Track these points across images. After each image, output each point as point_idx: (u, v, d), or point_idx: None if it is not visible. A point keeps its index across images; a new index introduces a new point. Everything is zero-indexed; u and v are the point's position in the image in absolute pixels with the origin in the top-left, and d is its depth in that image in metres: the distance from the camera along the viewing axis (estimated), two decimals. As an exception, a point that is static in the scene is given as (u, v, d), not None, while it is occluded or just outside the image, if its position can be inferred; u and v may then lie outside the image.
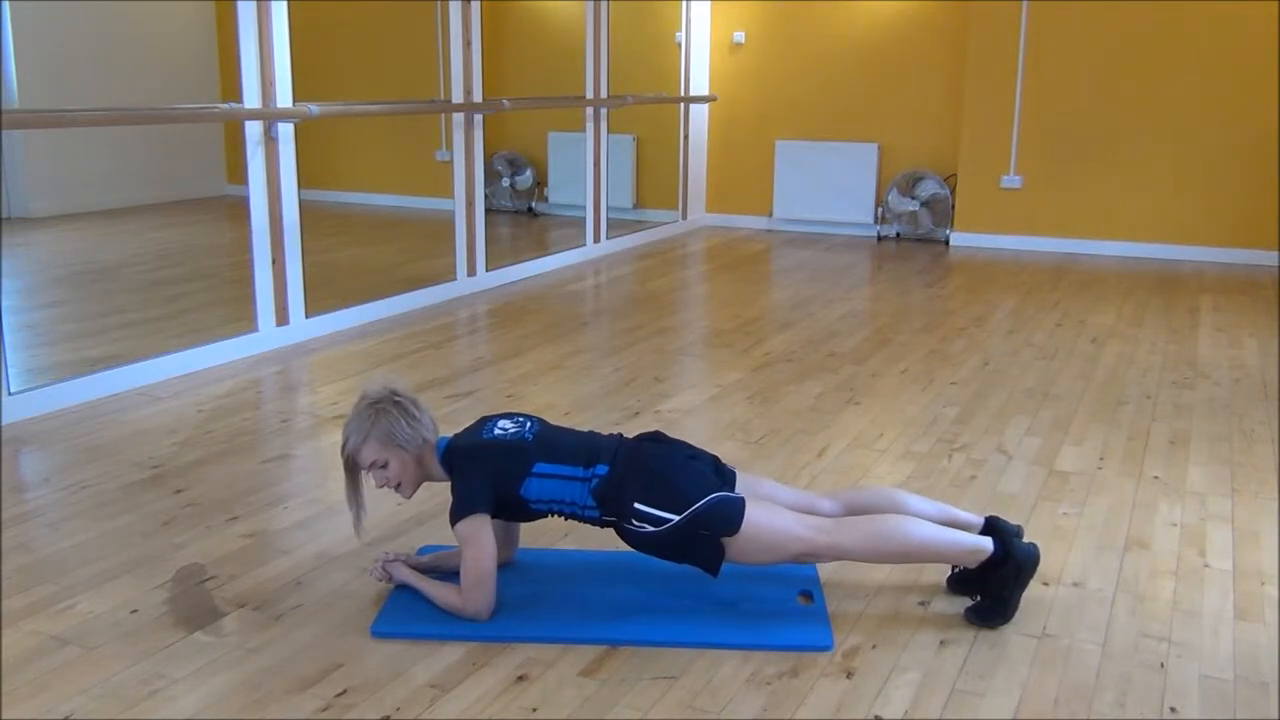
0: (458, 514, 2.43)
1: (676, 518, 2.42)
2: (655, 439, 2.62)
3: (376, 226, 8.12)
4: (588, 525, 2.61)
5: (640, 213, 8.34)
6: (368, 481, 2.59)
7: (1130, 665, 2.33)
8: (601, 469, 2.49)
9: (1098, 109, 7.42)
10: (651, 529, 2.44)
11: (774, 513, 2.48)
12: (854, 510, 2.61)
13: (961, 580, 2.61)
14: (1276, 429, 3.88)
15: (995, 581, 2.48)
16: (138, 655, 2.33)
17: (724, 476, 2.57)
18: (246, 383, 4.38)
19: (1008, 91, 7.61)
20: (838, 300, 5.97)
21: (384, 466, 2.52)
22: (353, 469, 2.56)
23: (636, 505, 2.44)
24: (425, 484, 2.63)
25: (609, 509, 2.48)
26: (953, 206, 7.94)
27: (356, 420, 2.52)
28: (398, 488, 2.56)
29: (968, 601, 2.55)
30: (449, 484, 2.53)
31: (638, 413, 3.99)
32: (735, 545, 2.45)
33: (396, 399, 2.52)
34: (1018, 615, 2.50)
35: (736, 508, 2.44)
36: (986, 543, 2.50)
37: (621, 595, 2.58)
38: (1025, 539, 2.57)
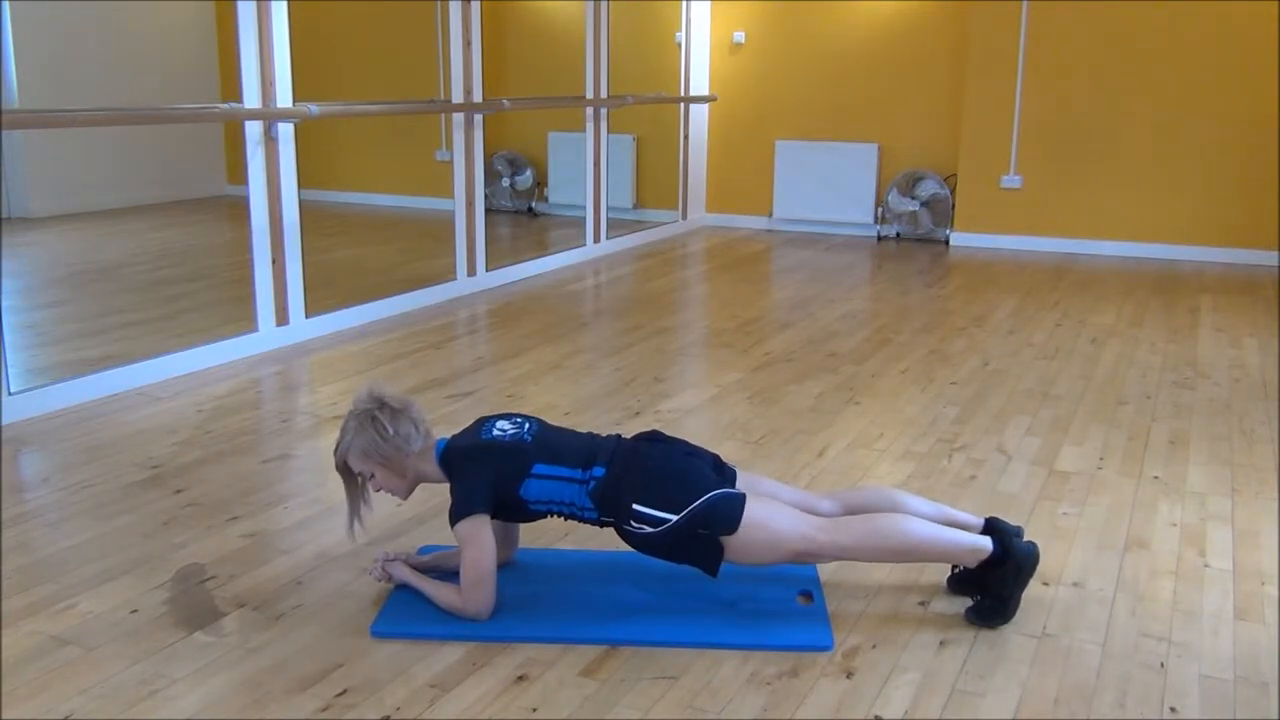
0: (457, 514, 2.44)
1: (675, 518, 2.42)
2: (652, 438, 2.62)
3: (376, 226, 8.12)
4: (587, 526, 2.61)
5: (640, 213, 8.34)
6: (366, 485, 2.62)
7: (1130, 665, 2.33)
8: (599, 470, 2.49)
9: (1098, 109, 7.42)
10: (650, 530, 2.43)
11: (773, 509, 2.47)
12: (853, 510, 2.61)
13: (961, 580, 2.61)
14: (1276, 429, 3.88)
15: (995, 581, 2.48)
16: (138, 655, 2.33)
17: (724, 475, 2.57)
18: (246, 383, 4.38)
19: (1008, 91, 7.61)
20: (838, 300, 5.97)
21: (372, 476, 2.55)
22: (345, 474, 2.59)
23: (634, 506, 2.43)
24: (425, 484, 2.64)
25: (607, 510, 2.48)
26: (953, 206, 7.94)
27: (342, 432, 2.55)
28: (393, 492, 2.59)
29: (968, 601, 2.55)
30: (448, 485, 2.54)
31: (638, 413, 3.99)
32: (734, 544, 2.44)
33: (376, 414, 2.52)
34: (1018, 615, 2.49)
35: (736, 505, 2.43)
36: (986, 542, 2.49)
37: (621, 595, 2.58)
38: (1025, 539, 2.56)
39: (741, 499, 2.45)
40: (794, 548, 2.44)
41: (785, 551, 2.45)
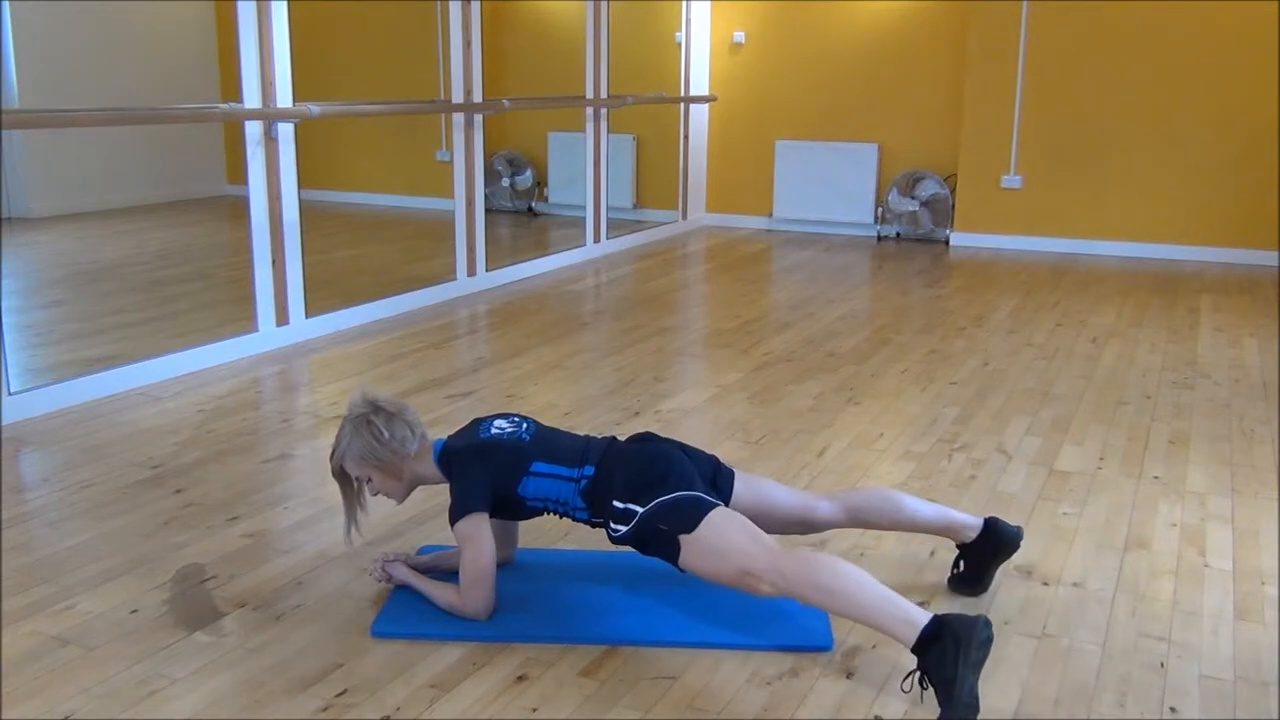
0: (456, 514, 2.44)
1: (641, 510, 2.38)
2: (643, 439, 2.61)
3: (376, 226, 8.12)
4: (584, 526, 2.61)
5: (640, 213, 8.34)
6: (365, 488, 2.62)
7: (1130, 665, 2.33)
8: (589, 469, 2.48)
9: (1098, 109, 7.42)
10: (623, 528, 2.41)
11: (738, 523, 2.34)
12: (852, 511, 2.60)
13: (963, 580, 2.61)
14: (1276, 429, 3.88)
15: (934, 663, 2.07)
16: (138, 655, 2.33)
17: (722, 476, 2.56)
18: (246, 383, 4.38)
19: (1008, 91, 7.61)
20: (838, 300, 5.97)
21: (369, 480, 2.56)
22: (342, 480, 2.60)
23: (614, 503, 2.42)
24: (422, 486, 2.64)
25: (596, 510, 2.47)
26: (953, 206, 7.94)
27: (338, 437, 2.56)
28: (390, 495, 2.60)
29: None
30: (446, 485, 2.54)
31: (638, 413, 3.99)
32: (688, 547, 2.33)
33: (371, 417, 2.52)
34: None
35: (701, 506, 2.34)
36: (919, 617, 2.12)
37: (621, 595, 2.58)
38: (1024, 540, 2.54)
39: (710, 504, 2.36)
40: (738, 564, 2.26)
41: (731, 567, 2.28)
